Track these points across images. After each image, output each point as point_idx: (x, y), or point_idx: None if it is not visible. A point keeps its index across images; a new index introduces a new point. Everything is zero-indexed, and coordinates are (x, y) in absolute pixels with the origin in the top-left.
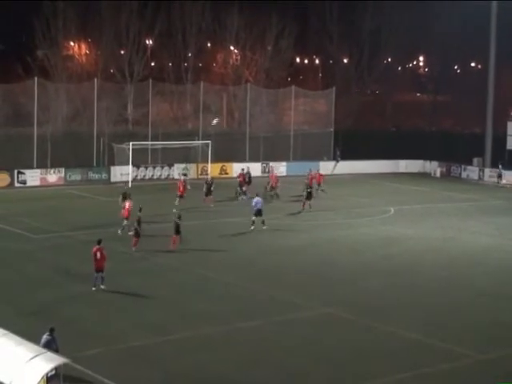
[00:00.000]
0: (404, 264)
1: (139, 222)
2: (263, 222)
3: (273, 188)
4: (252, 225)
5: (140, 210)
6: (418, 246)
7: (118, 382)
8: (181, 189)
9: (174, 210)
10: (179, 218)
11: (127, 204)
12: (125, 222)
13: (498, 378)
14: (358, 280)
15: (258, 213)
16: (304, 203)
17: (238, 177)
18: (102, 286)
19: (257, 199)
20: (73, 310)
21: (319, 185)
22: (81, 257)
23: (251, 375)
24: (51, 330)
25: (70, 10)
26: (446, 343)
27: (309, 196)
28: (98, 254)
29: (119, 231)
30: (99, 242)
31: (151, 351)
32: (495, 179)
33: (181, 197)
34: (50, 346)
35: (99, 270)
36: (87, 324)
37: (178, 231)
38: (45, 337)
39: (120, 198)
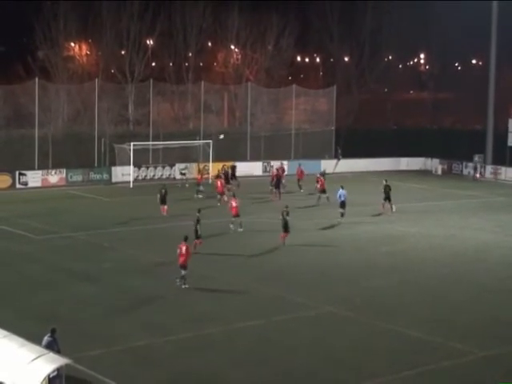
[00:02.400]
0: (406, 261)
1: (198, 223)
2: (342, 215)
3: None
4: (341, 216)
5: (199, 211)
6: (419, 244)
7: (120, 382)
8: (219, 187)
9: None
10: (287, 214)
11: (233, 203)
12: (233, 219)
13: (501, 375)
14: (360, 278)
15: (342, 205)
16: (383, 205)
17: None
18: (184, 286)
19: (341, 191)
20: (74, 310)
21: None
22: (83, 257)
23: (254, 374)
24: (52, 331)
25: (71, 10)
26: (448, 340)
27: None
28: (184, 250)
29: (239, 229)
30: (185, 239)
31: (153, 351)
32: (471, 173)
33: (222, 194)
34: (52, 347)
35: (181, 266)
36: (89, 325)
37: (286, 228)
38: (46, 338)
39: (158, 196)
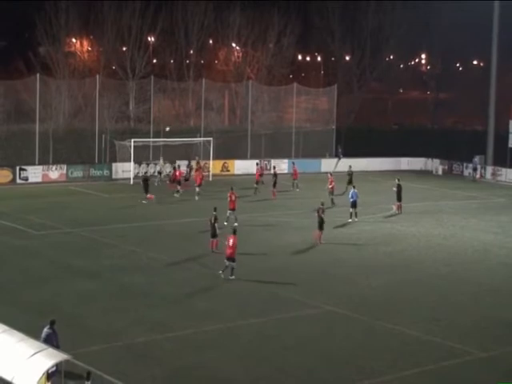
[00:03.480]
0: (406, 261)
1: (215, 222)
2: (355, 215)
3: (258, 182)
4: (350, 217)
5: (215, 210)
6: (419, 244)
7: (119, 378)
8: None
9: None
10: (323, 212)
11: (233, 196)
12: (229, 212)
13: (501, 376)
14: (360, 277)
15: (354, 205)
16: (398, 206)
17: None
18: (231, 277)
19: (353, 191)
20: (74, 306)
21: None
22: (83, 253)
23: (253, 372)
24: (52, 323)
25: (73, 7)
26: (447, 340)
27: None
28: (231, 242)
29: (235, 224)
30: (234, 232)
31: (153, 348)
32: (471, 173)
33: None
34: (51, 339)
35: (229, 258)
36: (89, 320)
37: (321, 226)
38: (45, 330)
39: (142, 184)
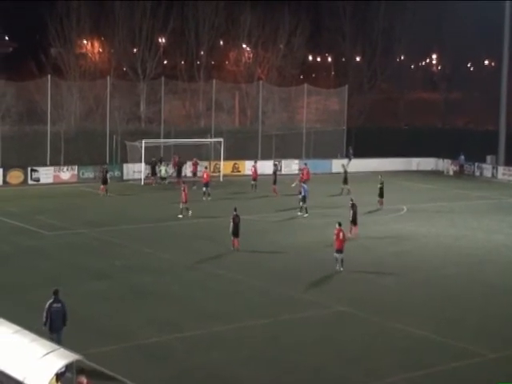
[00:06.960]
0: (416, 262)
1: (238, 221)
2: (306, 210)
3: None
4: (300, 211)
5: (235, 210)
6: (430, 244)
7: (129, 378)
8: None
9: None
10: (356, 207)
11: (186, 189)
12: (181, 205)
13: (510, 377)
14: (370, 278)
15: (303, 199)
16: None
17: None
18: (341, 269)
19: (304, 186)
20: (85, 306)
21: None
22: (94, 254)
23: (263, 373)
24: (55, 293)
25: (84, 8)
26: (457, 341)
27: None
28: (341, 235)
29: (180, 215)
30: (340, 224)
31: (163, 348)
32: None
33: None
34: (61, 312)
35: (339, 250)
36: (100, 321)
37: (355, 221)
38: (54, 306)
39: (101, 176)
